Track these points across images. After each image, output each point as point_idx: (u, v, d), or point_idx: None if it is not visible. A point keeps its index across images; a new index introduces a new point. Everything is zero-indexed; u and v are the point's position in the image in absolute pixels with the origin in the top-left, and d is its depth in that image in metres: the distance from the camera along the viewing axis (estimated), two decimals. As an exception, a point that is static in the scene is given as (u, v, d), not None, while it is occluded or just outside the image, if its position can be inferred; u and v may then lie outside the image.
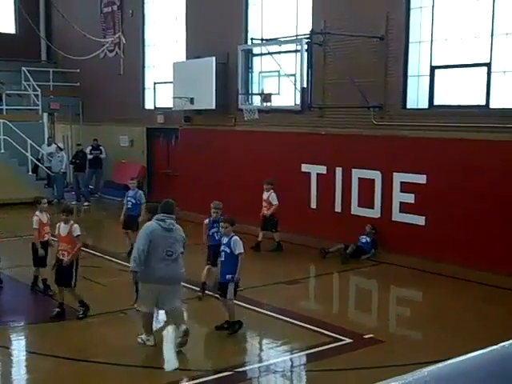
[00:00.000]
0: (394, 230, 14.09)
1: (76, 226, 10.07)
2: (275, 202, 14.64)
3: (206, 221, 11.32)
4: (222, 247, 9.42)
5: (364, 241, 14.21)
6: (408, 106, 14.20)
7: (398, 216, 14.06)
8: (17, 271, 12.93)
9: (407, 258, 13.39)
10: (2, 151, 21.48)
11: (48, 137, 24.22)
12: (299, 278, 12.75)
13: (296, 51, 15.55)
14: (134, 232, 12.14)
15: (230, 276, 9.27)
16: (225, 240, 9.45)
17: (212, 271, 10.94)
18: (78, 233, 10.03)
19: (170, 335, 9.78)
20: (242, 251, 9.30)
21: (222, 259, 9.45)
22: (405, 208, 13.87)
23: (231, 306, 9.43)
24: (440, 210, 13.32)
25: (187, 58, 19.79)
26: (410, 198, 13.75)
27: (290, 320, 10.03)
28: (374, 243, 14.23)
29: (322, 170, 15.57)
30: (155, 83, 21.81)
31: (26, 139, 21.57)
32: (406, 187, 13.81)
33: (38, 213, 11.30)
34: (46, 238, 11.32)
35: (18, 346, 9.38)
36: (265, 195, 14.82)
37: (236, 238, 9.35)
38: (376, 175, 14.39)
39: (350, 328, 9.72)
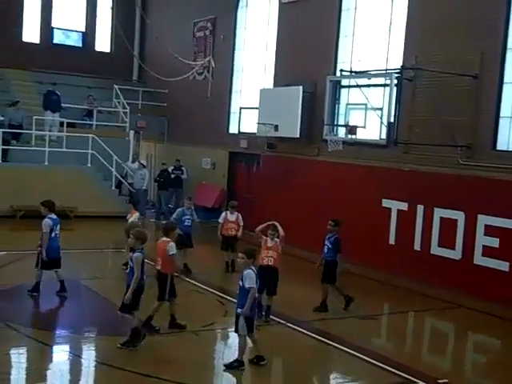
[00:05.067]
0: (475, 273, 13.62)
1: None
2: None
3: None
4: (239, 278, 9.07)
5: (326, 249, 12.25)
6: (498, 148, 13.83)
7: (479, 260, 13.58)
8: (95, 283, 13.28)
9: (488, 304, 12.89)
10: (89, 165, 22.06)
11: (133, 153, 24.82)
12: (373, 314, 12.50)
13: (385, 85, 15.47)
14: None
15: (240, 310, 8.86)
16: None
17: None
18: None
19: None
20: (253, 286, 8.81)
21: (238, 291, 9.09)
22: (488, 252, 13.40)
23: (241, 342, 8.95)
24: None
25: (274, 85, 19.95)
26: (494, 242, 13.27)
27: (361, 356, 9.79)
28: (337, 244, 12.17)
29: (404, 206, 15.27)
30: (241, 108, 22.04)
31: (112, 155, 22.13)
32: (490, 231, 13.36)
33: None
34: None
35: (89, 356, 9.51)
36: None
37: (249, 271, 8.89)
38: (459, 215, 14.00)
39: (424, 370, 9.42)
